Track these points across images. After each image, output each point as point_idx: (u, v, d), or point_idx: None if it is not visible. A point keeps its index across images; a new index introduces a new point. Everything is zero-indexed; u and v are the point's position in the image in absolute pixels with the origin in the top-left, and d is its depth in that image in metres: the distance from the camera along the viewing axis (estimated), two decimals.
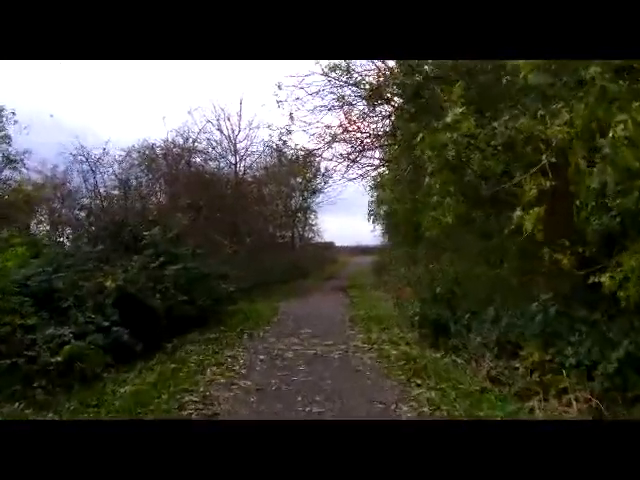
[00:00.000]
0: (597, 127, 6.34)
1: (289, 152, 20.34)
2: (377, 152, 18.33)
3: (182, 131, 26.42)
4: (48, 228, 24.11)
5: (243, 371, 10.09)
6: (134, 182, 24.12)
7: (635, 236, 7.83)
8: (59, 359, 8.31)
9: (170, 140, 25.99)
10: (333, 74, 15.14)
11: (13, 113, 24.46)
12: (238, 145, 30.05)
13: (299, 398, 8.25)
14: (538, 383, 7.89)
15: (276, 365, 10.55)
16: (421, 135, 8.70)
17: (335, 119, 17.89)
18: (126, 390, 8.52)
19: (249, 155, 30.57)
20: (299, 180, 34.00)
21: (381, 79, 14.67)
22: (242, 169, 30.64)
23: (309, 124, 16.48)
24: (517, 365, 8.58)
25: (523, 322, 9.01)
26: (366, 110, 15.87)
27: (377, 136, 16.61)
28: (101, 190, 23.27)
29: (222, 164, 29.70)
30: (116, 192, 23.36)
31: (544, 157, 7.40)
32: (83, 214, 20.48)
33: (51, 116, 31.05)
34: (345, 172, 18.38)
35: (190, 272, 14.94)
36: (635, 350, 7.15)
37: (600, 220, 8.69)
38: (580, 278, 8.29)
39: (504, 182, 8.82)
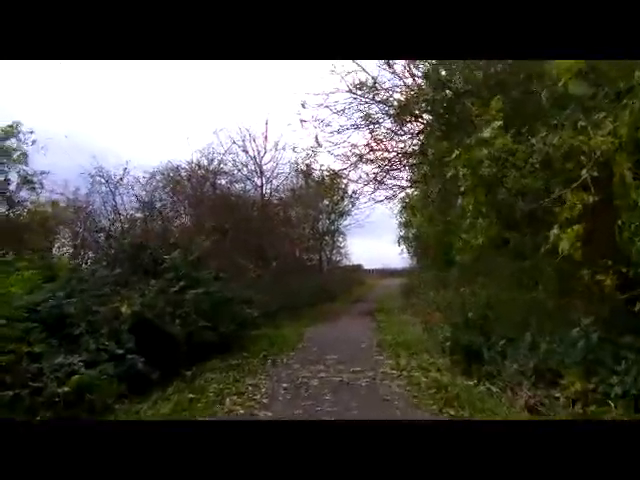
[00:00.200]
0: None
1: (315, 173, 19.76)
2: (405, 172, 17.87)
3: (207, 152, 26.23)
4: (71, 251, 23.72)
5: (265, 400, 9.58)
6: (158, 204, 23.82)
7: None
8: (66, 389, 7.84)
9: (195, 161, 25.85)
10: (359, 92, 14.70)
11: (31, 132, 24.22)
12: (264, 167, 29.73)
13: None
14: (581, 415, 7.33)
15: (300, 394, 10.01)
16: (456, 152, 8.48)
17: (361, 138, 17.34)
18: None
19: (275, 177, 30.23)
20: (326, 203, 33.82)
21: (409, 95, 14.20)
22: (268, 191, 30.29)
23: (335, 144, 16.04)
24: (557, 395, 8.09)
25: (563, 349, 8.50)
26: (393, 128, 15.39)
27: (405, 154, 16.11)
28: (122, 212, 22.96)
29: (248, 186, 29.42)
30: (138, 214, 23.08)
31: (585, 171, 7.04)
32: (103, 237, 20.09)
33: (66, 137, 30.74)
34: (372, 193, 17.87)
35: (212, 296, 14.52)
36: None
37: None
38: (623, 301, 7.84)
39: (541, 199, 8.35)
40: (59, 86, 43.74)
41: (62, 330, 9.49)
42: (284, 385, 10.75)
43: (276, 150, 29.16)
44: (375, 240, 71.19)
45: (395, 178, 17.66)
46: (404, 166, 16.80)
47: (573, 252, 7.08)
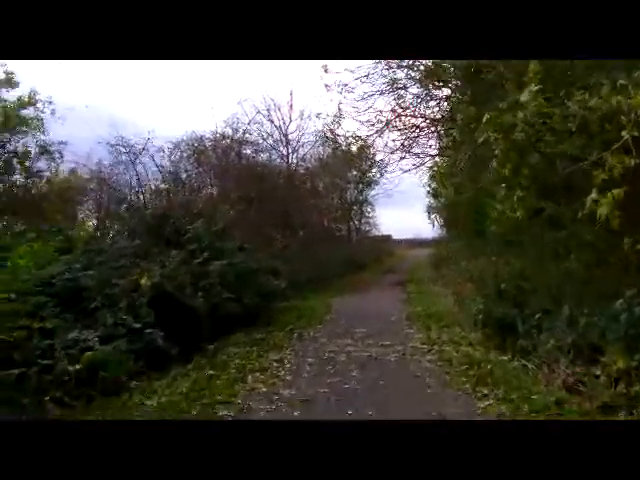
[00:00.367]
0: None
1: (340, 140, 19.17)
2: (433, 140, 17.23)
3: (231, 122, 25.74)
4: (95, 223, 23.45)
5: (288, 377, 9.20)
6: (183, 175, 23.51)
7: None
8: (78, 367, 7.49)
9: (219, 132, 25.39)
10: None
11: (50, 102, 23.83)
12: (290, 136, 29.41)
13: (350, 411, 7.33)
14: (624, 395, 6.84)
15: (326, 371, 9.61)
16: (487, 116, 7.98)
17: (387, 105, 16.69)
18: (153, 403, 7.72)
19: (301, 146, 29.92)
20: (354, 173, 33.40)
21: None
22: (294, 160, 29.97)
23: (359, 110, 15.43)
24: (597, 373, 7.54)
25: (604, 323, 7.95)
26: (420, 94, 14.77)
27: (433, 121, 15.49)
28: (145, 183, 22.63)
29: (273, 156, 29.06)
30: (162, 185, 22.76)
31: (626, 132, 6.59)
32: (124, 208, 19.78)
33: (86, 107, 30.42)
34: (399, 161, 17.27)
35: (237, 268, 14.21)
36: None
37: None
38: None
39: (578, 164, 7.86)
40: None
41: (78, 304, 9.20)
42: (309, 360, 10.39)
43: (302, 119, 28.85)
44: (405, 210, 70.43)
45: (423, 146, 17.06)
46: (432, 132, 16.17)
47: (612, 219, 6.63)
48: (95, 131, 23.65)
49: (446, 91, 14.70)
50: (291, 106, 28.90)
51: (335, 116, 15.87)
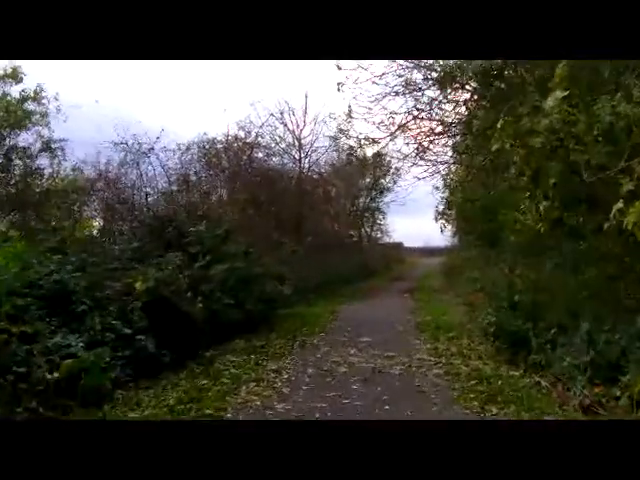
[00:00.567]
0: None
1: (353, 142, 18.63)
2: (447, 147, 16.68)
3: (244, 124, 25.28)
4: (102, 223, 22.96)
5: (285, 390, 8.64)
6: (193, 177, 23.11)
7: None
8: (57, 375, 6.98)
9: (231, 134, 24.95)
10: None
11: (56, 98, 23.19)
12: (303, 140, 28.91)
13: None
14: None
15: (325, 383, 9.05)
16: (501, 122, 7.63)
17: (400, 107, 16.13)
18: (136, 415, 7.20)
19: (314, 151, 29.39)
20: (367, 179, 33.02)
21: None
22: (307, 165, 29.46)
23: (372, 111, 14.85)
24: (618, 394, 7.05)
25: (625, 341, 7.41)
26: (436, 97, 14.23)
27: (448, 126, 14.95)
28: (153, 184, 22.20)
29: (285, 160, 28.64)
30: (173, 187, 22.35)
31: None
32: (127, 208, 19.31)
33: (96, 102, 30.26)
34: (412, 166, 16.72)
35: (240, 272, 13.75)
36: None
37: None
38: None
39: (603, 173, 7.38)
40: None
41: (66, 307, 8.65)
42: (309, 371, 9.85)
43: (316, 123, 28.31)
44: (418, 218, 70.19)
45: (436, 154, 16.53)
46: (448, 136, 15.62)
47: (637, 231, 6.17)
48: (104, 130, 23.07)
49: (464, 95, 14.16)
50: (306, 110, 28.49)
51: (347, 115, 15.17)
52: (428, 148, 15.86)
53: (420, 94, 14.27)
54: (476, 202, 17.26)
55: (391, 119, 14.73)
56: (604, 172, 7.40)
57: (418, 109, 14.61)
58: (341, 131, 16.71)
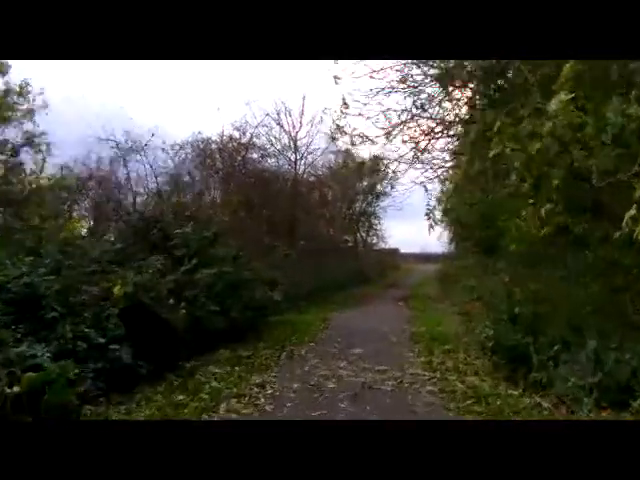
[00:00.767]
0: None
1: (347, 139, 18.05)
2: (446, 148, 16.11)
3: (239, 125, 24.85)
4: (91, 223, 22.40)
5: (268, 407, 8.06)
6: (185, 177, 22.77)
7: None
8: (17, 389, 6.36)
9: (226, 134, 24.62)
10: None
11: (41, 93, 22.87)
12: (299, 142, 28.32)
13: None
14: None
15: (312, 400, 8.47)
16: (498, 124, 7.45)
17: (397, 103, 15.50)
18: None
19: (311, 153, 28.86)
20: (364, 183, 32.57)
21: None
22: (303, 167, 28.95)
23: (368, 108, 14.25)
24: (628, 418, 6.56)
25: (636, 361, 6.87)
26: (437, 94, 13.65)
27: (446, 126, 14.37)
28: (143, 184, 21.77)
29: (281, 161, 28.10)
30: (162, 187, 21.94)
31: None
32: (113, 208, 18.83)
33: (83, 97, 30.16)
34: (410, 165, 16.07)
35: (227, 277, 13.20)
36: None
37: None
38: None
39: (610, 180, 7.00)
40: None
41: (35, 313, 8.04)
42: (295, 386, 9.22)
43: (312, 125, 27.73)
44: (414, 223, 69.98)
45: (436, 156, 15.96)
46: (448, 135, 15.03)
47: None
48: (94, 128, 22.61)
49: (466, 93, 13.62)
50: (302, 111, 27.95)
51: (342, 105, 14.45)
52: (426, 149, 15.30)
53: (418, 91, 13.71)
54: (474, 206, 16.76)
55: (388, 116, 14.15)
56: (613, 177, 6.97)
57: (417, 107, 14.04)
58: (337, 127, 16.01)
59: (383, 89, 13.64)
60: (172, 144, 22.83)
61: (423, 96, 13.60)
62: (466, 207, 18.40)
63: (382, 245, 44.42)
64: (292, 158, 28.22)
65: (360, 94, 13.84)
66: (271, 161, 27.11)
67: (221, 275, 12.94)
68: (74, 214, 23.15)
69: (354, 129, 15.00)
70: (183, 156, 23.55)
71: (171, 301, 10.63)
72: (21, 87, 22.10)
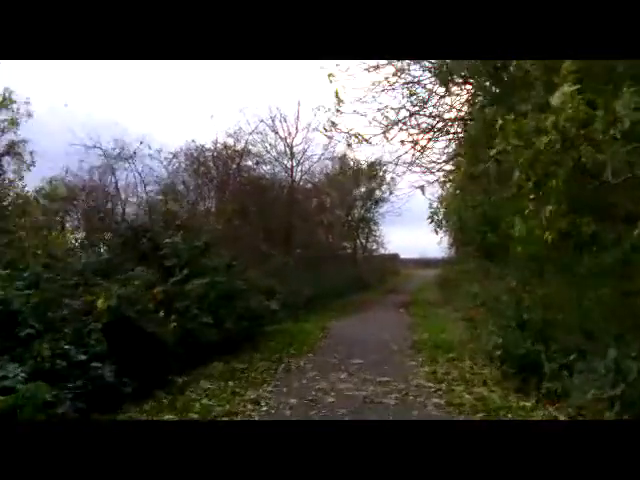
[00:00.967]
0: None
1: (342, 138, 17.42)
2: (446, 151, 15.64)
3: (233, 132, 24.52)
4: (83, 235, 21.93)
5: None
6: (181, 186, 22.37)
7: None
8: None
9: (220, 142, 24.29)
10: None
11: (26, 102, 22.48)
12: (295, 148, 27.88)
13: None
14: None
15: (309, 417, 7.92)
16: (500, 121, 7.04)
17: (394, 99, 15.03)
18: None
19: (307, 159, 28.44)
20: (362, 189, 32.41)
21: None
22: (299, 174, 28.54)
23: (364, 105, 13.73)
24: None
25: None
26: (435, 90, 13.19)
27: (449, 121, 13.89)
28: (135, 193, 21.33)
29: (277, 168, 27.72)
30: (157, 196, 21.53)
31: None
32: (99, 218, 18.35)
33: (65, 105, 29.89)
34: (409, 166, 15.56)
35: (220, 287, 12.71)
36: None
37: None
38: None
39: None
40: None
41: (10, 330, 7.48)
42: (292, 402, 8.67)
43: (308, 131, 27.20)
44: (414, 229, 69.82)
45: (433, 161, 15.50)
46: (447, 132, 14.54)
47: None
48: (82, 138, 22.23)
49: (465, 90, 13.17)
50: (298, 117, 27.42)
51: (336, 99, 13.85)
52: (425, 148, 14.80)
53: (415, 88, 13.25)
54: (477, 208, 16.28)
55: (385, 114, 13.64)
56: (629, 173, 6.51)
57: (413, 104, 13.54)
58: (332, 123, 15.42)
59: (379, 83, 13.16)
60: (164, 152, 22.47)
61: (422, 91, 13.17)
62: (467, 209, 17.97)
63: (381, 251, 44.33)
64: (288, 165, 27.86)
65: (355, 89, 13.38)
66: (267, 168, 26.91)
67: (213, 285, 12.48)
68: (67, 225, 22.75)
69: (350, 129, 14.50)
70: (177, 165, 23.21)
71: (161, 314, 10.09)
72: (4, 97, 21.68)
